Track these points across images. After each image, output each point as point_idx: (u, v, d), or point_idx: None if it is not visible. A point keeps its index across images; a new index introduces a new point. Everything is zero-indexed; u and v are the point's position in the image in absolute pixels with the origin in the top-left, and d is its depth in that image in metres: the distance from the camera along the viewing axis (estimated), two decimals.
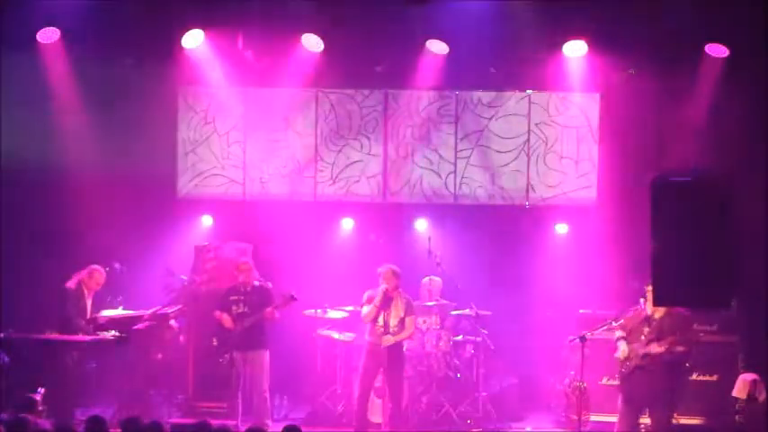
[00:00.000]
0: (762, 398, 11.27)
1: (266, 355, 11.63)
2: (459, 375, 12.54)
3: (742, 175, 11.07)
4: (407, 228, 14.00)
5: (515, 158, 13.97)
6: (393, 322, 11.33)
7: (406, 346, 11.69)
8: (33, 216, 13.29)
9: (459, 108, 14.02)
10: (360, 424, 11.55)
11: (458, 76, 13.62)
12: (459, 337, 12.77)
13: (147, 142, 13.62)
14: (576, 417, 11.09)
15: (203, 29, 13.14)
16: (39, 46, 13.05)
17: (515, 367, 13.20)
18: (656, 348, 10.31)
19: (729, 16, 12.15)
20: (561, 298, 13.07)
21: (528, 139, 13.96)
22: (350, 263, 13.54)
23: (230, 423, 10.59)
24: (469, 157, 14.01)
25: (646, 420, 10.89)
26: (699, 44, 12.70)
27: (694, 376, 11.77)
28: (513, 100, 13.98)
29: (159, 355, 12.31)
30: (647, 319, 10.48)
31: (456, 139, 14.03)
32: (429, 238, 12.95)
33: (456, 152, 14.02)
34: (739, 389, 11.35)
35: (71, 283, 12.06)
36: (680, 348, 10.35)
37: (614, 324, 10.80)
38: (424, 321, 12.47)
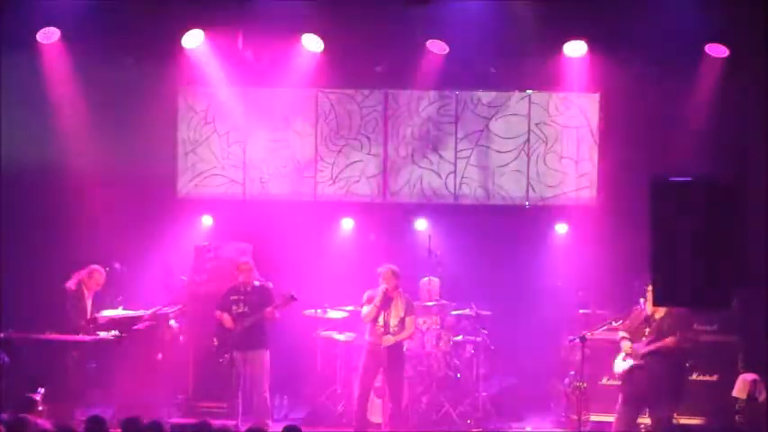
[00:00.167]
0: (762, 398, 11.27)
1: (266, 354, 11.63)
2: (459, 375, 12.53)
3: (742, 175, 11.07)
4: (407, 228, 13.99)
5: (515, 158, 13.97)
6: (393, 322, 11.33)
7: (406, 346, 11.69)
8: (33, 216, 13.29)
9: (460, 108, 14.02)
10: (360, 424, 11.54)
11: (458, 76, 13.61)
12: (459, 337, 12.77)
13: (147, 142, 13.62)
14: (576, 417, 11.08)
15: (203, 29, 13.13)
16: (39, 46, 13.04)
17: (515, 367, 13.19)
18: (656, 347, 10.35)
19: (729, 16, 12.15)
20: (561, 298, 13.07)
21: (528, 139, 13.96)
22: (350, 263, 13.53)
23: (230, 423, 10.62)
24: (469, 157, 14.02)
25: (646, 420, 10.90)
26: (699, 44, 12.70)
27: (694, 376, 11.76)
28: (514, 100, 13.98)
29: (159, 355, 12.30)
30: (648, 319, 10.49)
31: (456, 139, 14.03)
32: (429, 238, 12.94)
33: (456, 152, 14.03)
34: (739, 389, 11.36)
35: (71, 283, 12.07)
36: (680, 347, 10.37)
37: (614, 324, 10.81)
38: (424, 321, 12.47)
